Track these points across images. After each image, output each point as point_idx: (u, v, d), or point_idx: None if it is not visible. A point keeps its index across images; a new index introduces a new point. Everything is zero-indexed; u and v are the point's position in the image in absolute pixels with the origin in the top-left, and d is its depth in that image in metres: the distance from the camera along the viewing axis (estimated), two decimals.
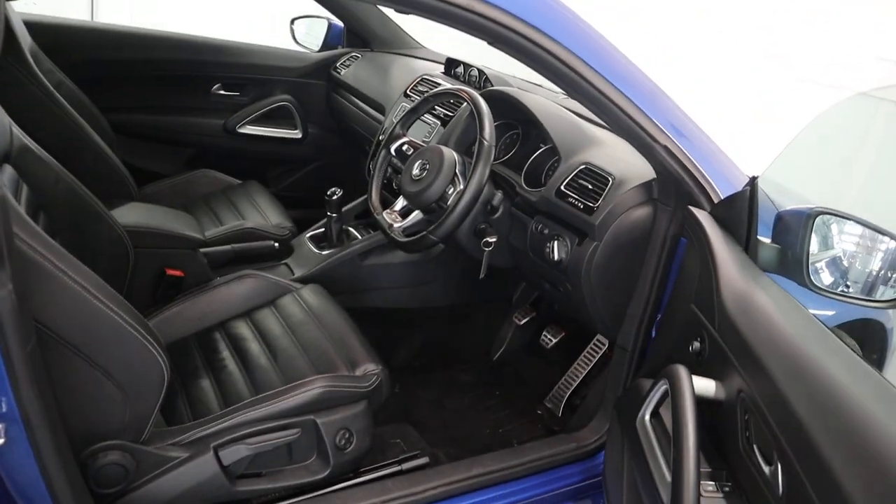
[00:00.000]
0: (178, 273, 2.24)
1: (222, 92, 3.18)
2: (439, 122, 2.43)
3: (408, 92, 2.69)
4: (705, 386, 1.27)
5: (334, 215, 2.49)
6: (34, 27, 2.45)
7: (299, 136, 3.30)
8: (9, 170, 1.63)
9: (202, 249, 2.38)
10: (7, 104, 1.69)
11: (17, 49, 2.12)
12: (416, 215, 2.02)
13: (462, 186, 1.90)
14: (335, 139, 3.41)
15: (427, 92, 2.58)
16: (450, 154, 1.97)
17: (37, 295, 1.29)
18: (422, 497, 1.76)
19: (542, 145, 2.18)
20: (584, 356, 2.46)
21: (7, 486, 1.26)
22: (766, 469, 1.13)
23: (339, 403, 1.79)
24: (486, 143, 1.88)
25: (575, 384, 2.44)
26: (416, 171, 1.99)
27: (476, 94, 2.00)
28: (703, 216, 1.57)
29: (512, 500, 1.87)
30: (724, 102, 5.64)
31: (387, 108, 2.76)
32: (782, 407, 1.10)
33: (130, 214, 2.20)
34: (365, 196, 2.82)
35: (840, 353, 1.22)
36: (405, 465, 1.96)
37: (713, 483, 1.25)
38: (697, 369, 1.31)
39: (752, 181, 1.47)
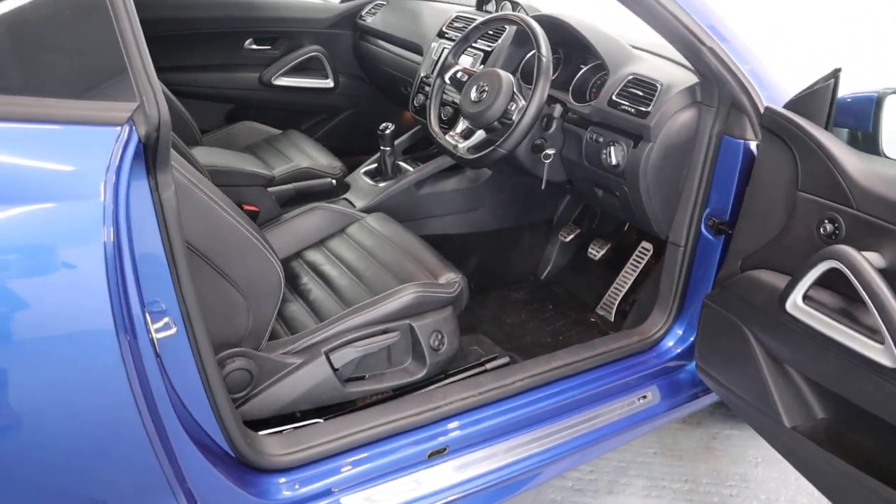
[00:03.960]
0: (254, 208, 2.39)
1: (254, 46, 3.30)
2: (482, 54, 2.56)
3: (444, 30, 2.82)
4: (872, 258, 1.44)
5: (388, 149, 2.63)
6: None
7: (331, 85, 3.43)
8: None
9: (269, 188, 2.52)
10: None
11: None
12: (479, 134, 2.16)
13: (523, 103, 2.04)
14: (364, 86, 3.54)
15: (464, 27, 2.71)
16: (506, 75, 2.11)
17: None
18: (512, 388, 1.93)
19: (582, 66, 2.33)
20: (631, 263, 2.63)
21: (171, 382, 1.41)
22: None
23: (429, 308, 1.95)
24: (544, 59, 2.02)
25: (624, 290, 2.61)
26: (474, 95, 2.13)
27: (528, 18, 2.13)
28: (787, 112, 1.71)
29: (589, 388, 2.04)
30: None
31: (424, 48, 2.89)
32: None
33: (204, 156, 2.33)
34: (411, 131, 2.96)
35: None
36: (489, 366, 2.13)
37: None
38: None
39: (836, 73, 1.63)
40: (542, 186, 2.24)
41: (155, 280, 1.30)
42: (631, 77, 2.09)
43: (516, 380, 1.94)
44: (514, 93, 2.08)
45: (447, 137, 2.23)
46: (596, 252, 2.76)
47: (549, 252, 2.91)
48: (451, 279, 2.02)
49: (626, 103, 2.04)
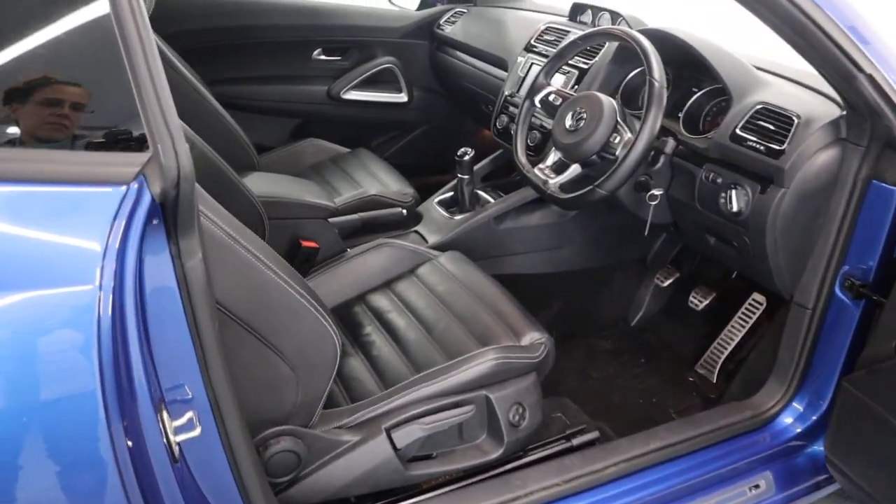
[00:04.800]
0: (313, 244, 2.13)
1: (323, 57, 3.05)
2: (576, 73, 2.25)
3: (532, 43, 2.52)
4: None
5: (466, 177, 2.34)
6: None
7: (405, 99, 3.16)
8: None
9: (331, 219, 2.26)
10: None
11: None
12: (573, 169, 1.86)
13: (629, 136, 1.73)
14: (440, 101, 3.26)
15: (555, 41, 2.42)
16: (608, 101, 1.81)
17: (211, 266, 1.16)
18: (602, 475, 1.64)
19: (694, 90, 2.00)
20: (740, 318, 2.29)
21: (195, 479, 1.16)
22: None
23: (510, 376, 1.67)
24: (657, 83, 1.71)
25: (730, 348, 2.27)
26: (569, 122, 1.84)
27: (635, 33, 1.82)
28: None
29: (694, 474, 1.73)
30: None
31: (509, 62, 2.59)
32: None
33: (259, 184, 2.09)
34: (492, 156, 2.68)
35: None
36: (575, 441, 1.83)
37: None
38: None
39: None
40: (646, 231, 1.92)
41: (177, 364, 1.06)
42: (759, 107, 1.75)
43: (608, 465, 1.66)
44: (617, 122, 1.77)
45: (535, 171, 1.94)
46: (698, 301, 2.41)
47: (642, 295, 2.58)
48: (535, 340, 1.72)
49: (754, 139, 1.71)
